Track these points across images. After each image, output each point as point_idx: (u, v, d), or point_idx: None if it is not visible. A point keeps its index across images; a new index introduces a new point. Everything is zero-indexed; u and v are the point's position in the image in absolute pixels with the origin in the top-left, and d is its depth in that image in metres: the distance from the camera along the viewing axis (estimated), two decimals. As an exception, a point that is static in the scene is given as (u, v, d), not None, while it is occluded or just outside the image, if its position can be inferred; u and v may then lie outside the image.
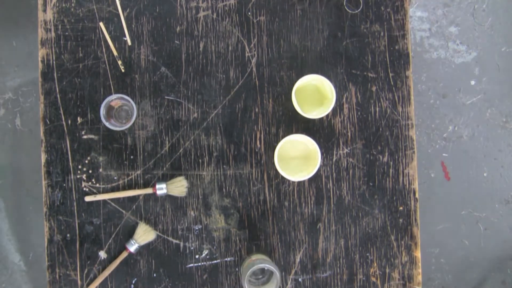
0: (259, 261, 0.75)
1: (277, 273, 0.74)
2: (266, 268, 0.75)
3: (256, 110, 0.86)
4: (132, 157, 0.84)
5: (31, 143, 1.52)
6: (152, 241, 0.84)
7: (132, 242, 0.82)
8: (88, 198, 0.83)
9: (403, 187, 0.87)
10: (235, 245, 0.85)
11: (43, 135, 0.84)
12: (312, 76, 0.80)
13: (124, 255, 0.83)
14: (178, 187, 0.83)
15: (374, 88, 0.87)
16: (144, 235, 0.82)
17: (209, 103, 0.86)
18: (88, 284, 0.84)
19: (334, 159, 0.86)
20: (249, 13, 0.86)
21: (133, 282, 0.84)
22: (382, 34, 0.87)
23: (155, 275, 0.85)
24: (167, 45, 0.85)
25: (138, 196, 0.84)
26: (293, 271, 0.86)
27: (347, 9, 0.87)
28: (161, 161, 0.85)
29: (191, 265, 0.85)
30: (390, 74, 0.87)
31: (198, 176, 0.84)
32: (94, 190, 0.84)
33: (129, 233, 0.84)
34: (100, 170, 0.84)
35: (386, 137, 0.86)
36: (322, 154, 0.84)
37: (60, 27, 0.85)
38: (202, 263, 0.85)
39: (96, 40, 0.85)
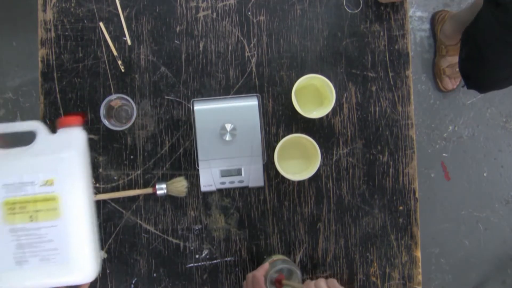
0: (280, 262, 0.75)
1: (298, 273, 0.74)
2: (287, 269, 0.75)
3: (256, 110, 0.86)
4: (132, 157, 0.84)
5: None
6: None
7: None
8: (88, 198, 0.83)
9: (403, 187, 0.86)
10: (235, 245, 0.85)
11: (43, 135, 0.84)
12: (312, 75, 0.80)
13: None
14: (178, 187, 0.83)
15: (374, 88, 0.87)
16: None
17: (209, 103, 0.86)
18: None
19: (334, 159, 0.86)
20: (249, 13, 0.86)
21: (133, 282, 0.84)
22: (382, 33, 0.87)
23: (155, 275, 0.85)
24: (167, 45, 0.85)
25: (138, 196, 0.84)
26: (293, 271, 0.86)
27: (347, 9, 0.87)
28: (161, 161, 0.85)
29: (191, 265, 0.85)
30: (390, 74, 0.87)
31: (198, 176, 0.84)
32: (94, 190, 0.84)
33: (130, 233, 0.84)
34: (100, 170, 0.84)
35: (386, 137, 0.86)
36: (322, 153, 0.84)
37: (60, 27, 0.85)
38: (202, 263, 0.85)
39: (96, 40, 0.85)
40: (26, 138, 0.78)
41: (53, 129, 0.61)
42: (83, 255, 0.60)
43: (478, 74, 1.08)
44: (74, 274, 0.59)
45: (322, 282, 0.67)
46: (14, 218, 0.59)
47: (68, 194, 0.59)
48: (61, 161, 0.60)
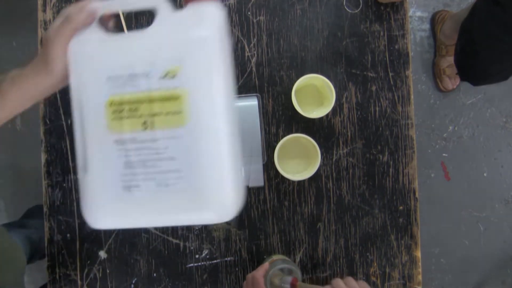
0: (280, 262, 0.75)
1: (298, 273, 0.74)
2: (287, 269, 0.75)
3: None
4: (132, 157, 0.84)
5: (31, 143, 1.51)
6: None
7: None
8: (88, 198, 0.83)
9: (403, 187, 0.86)
10: (235, 245, 0.85)
11: (43, 135, 0.84)
12: (312, 75, 0.80)
13: None
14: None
15: (374, 88, 0.87)
16: None
17: (209, 103, 0.85)
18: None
19: (334, 159, 0.86)
20: (249, 13, 0.86)
21: (133, 282, 0.84)
22: (381, 33, 0.87)
23: (155, 275, 0.85)
24: (167, 45, 0.85)
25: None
26: (293, 271, 0.86)
27: (347, 9, 0.87)
28: (161, 161, 0.84)
29: (191, 265, 0.85)
30: (390, 74, 0.87)
31: (198, 176, 0.84)
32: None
33: (130, 233, 0.84)
34: (100, 170, 0.84)
35: (386, 137, 0.86)
36: (322, 153, 0.84)
37: (60, 27, 0.85)
38: (202, 263, 0.85)
39: (96, 40, 0.85)
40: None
41: (180, 4, 0.47)
42: (219, 182, 0.41)
43: (472, 67, 1.09)
44: (205, 209, 0.41)
45: (353, 281, 0.66)
46: (122, 125, 0.42)
47: (199, 92, 0.41)
48: (190, 44, 0.42)
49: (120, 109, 0.42)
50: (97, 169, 0.43)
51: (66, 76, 0.48)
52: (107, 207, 0.43)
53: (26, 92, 0.49)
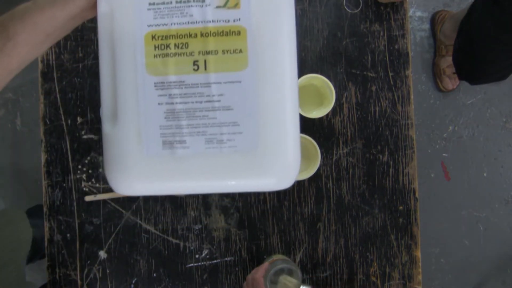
0: (280, 262, 0.75)
1: (298, 273, 0.74)
2: (287, 269, 0.75)
3: (256, 110, 0.86)
4: (132, 157, 0.84)
5: (31, 143, 1.51)
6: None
7: None
8: (88, 198, 0.83)
9: (403, 187, 0.86)
10: (235, 245, 0.85)
11: (43, 135, 0.84)
12: (311, 75, 0.80)
13: None
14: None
15: (374, 88, 0.87)
16: None
17: (209, 103, 0.85)
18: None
19: (334, 159, 0.86)
20: (249, 13, 0.86)
21: (133, 282, 0.84)
22: (381, 33, 0.87)
23: (155, 275, 0.85)
24: (167, 45, 0.85)
25: (138, 195, 0.84)
26: (293, 271, 0.86)
27: (347, 9, 0.87)
28: (161, 161, 0.84)
29: (191, 265, 0.85)
30: (390, 74, 0.87)
31: (198, 176, 0.84)
32: (94, 190, 0.84)
33: (130, 233, 0.84)
34: (100, 170, 0.84)
35: (386, 137, 0.86)
36: (322, 153, 0.84)
37: (60, 27, 0.85)
38: (202, 263, 0.85)
39: (96, 40, 0.85)
40: None
41: None
42: (282, 141, 0.35)
43: (469, 66, 1.09)
44: (265, 173, 0.34)
45: None
46: (166, 64, 0.34)
47: (266, 28, 0.34)
48: None
49: (165, 45, 0.34)
50: (130, 119, 0.35)
51: (90, 4, 0.37)
52: (141, 168, 0.35)
53: (41, 29, 0.39)
